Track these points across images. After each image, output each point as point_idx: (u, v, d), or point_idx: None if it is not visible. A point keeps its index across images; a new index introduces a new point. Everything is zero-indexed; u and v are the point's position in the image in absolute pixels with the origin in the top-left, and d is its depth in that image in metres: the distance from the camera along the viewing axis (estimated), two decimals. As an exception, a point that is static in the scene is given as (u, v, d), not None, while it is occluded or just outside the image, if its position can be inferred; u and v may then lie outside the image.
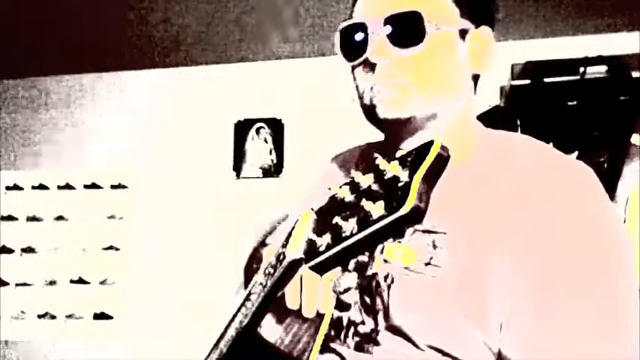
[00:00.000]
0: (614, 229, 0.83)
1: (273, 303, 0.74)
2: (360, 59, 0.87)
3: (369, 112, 0.89)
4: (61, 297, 2.88)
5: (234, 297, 2.61)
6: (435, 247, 0.82)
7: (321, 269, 0.70)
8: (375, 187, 0.66)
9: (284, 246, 0.75)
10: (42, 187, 2.97)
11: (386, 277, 0.84)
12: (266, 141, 2.85)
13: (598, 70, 2.26)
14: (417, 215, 0.61)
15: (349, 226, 0.66)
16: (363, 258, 0.69)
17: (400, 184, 0.63)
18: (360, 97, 0.91)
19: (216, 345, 0.81)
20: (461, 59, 0.90)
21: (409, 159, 0.64)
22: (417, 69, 0.85)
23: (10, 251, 2.94)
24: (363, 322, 0.86)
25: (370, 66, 0.87)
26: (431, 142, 0.64)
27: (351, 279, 0.71)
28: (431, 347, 0.82)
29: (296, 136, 2.81)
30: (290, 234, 0.75)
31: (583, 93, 2.22)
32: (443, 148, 0.64)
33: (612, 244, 0.81)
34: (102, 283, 2.88)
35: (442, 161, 0.64)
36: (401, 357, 0.83)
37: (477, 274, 0.80)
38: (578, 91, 2.23)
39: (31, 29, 2.49)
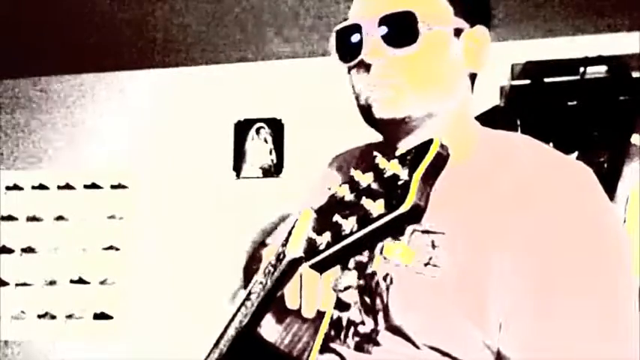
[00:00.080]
0: (614, 229, 0.83)
1: (273, 303, 0.74)
2: (356, 60, 0.88)
3: (366, 112, 0.89)
4: (61, 297, 2.88)
5: (233, 298, 2.62)
6: (434, 247, 0.82)
7: (321, 268, 0.70)
8: (374, 185, 0.66)
9: (284, 245, 0.75)
10: (42, 187, 2.97)
11: (385, 278, 0.84)
12: (266, 141, 2.85)
13: (598, 70, 2.26)
14: (416, 213, 0.61)
15: (349, 224, 0.66)
16: (363, 256, 0.69)
17: (400, 183, 0.63)
18: (357, 98, 0.91)
19: (216, 345, 0.81)
20: (455, 58, 0.90)
21: (409, 157, 0.64)
22: (411, 69, 0.86)
23: (10, 251, 2.94)
24: (362, 323, 0.86)
25: (365, 67, 0.87)
26: (430, 141, 0.65)
27: (350, 277, 0.71)
28: (430, 347, 0.82)
29: (296, 136, 2.81)
30: (290, 233, 0.75)
31: (583, 93, 2.22)
32: (442, 146, 0.64)
33: (612, 244, 0.81)
34: (102, 283, 2.87)
35: (442, 160, 0.64)
36: (400, 357, 0.83)
37: (476, 274, 0.80)
38: (578, 91, 2.23)
39: (31, 29, 2.49)
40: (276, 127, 2.84)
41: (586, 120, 2.15)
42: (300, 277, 0.72)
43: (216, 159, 2.86)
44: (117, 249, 2.89)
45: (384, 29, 0.85)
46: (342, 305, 0.73)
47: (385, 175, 0.65)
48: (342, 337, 0.87)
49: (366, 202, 0.64)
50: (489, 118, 1.23)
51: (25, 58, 2.79)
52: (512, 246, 0.79)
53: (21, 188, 2.99)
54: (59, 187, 2.96)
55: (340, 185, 0.70)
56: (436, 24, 0.86)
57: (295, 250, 0.71)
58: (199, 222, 2.80)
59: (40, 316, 2.89)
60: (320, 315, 0.73)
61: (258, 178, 2.83)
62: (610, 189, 1.87)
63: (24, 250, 2.93)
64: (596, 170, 0.85)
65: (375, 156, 0.67)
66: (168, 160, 2.89)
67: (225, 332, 0.80)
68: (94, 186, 2.94)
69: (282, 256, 0.74)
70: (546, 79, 2.29)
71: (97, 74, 3.01)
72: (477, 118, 0.97)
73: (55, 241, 2.92)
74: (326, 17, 2.35)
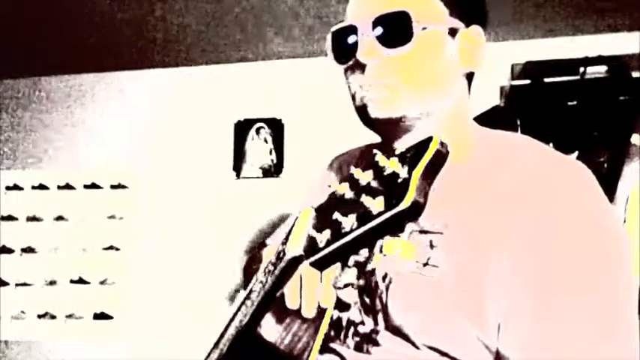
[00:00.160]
0: (614, 229, 0.84)
1: (273, 302, 0.74)
2: (351, 61, 0.88)
3: (362, 112, 0.90)
4: (61, 297, 2.88)
5: (233, 298, 2.62)
6: (432, 247, 0.82)
7: (321, 265, 0.70)
8: (374, 183, 0.66)
9: (284, 244, 0.75)
10: (42, 187, 2.97)
11: (384, 278, 0.84)
12: (266, 141, 2.85)
13: (598, 70, 2.26)
14: (416, 210, 0.62)
15: (349, 221, 0.66)
16: (363, 254, 0.70)
17: (399, 180, 0.63)
18: (353, 99, 0.91)
19: (216, 344, 0.81)
20: (451, 58, 0.90)
21: (408, 155, 0.65)
22: (405, 68, 0.86)
23: (10, 251, 2.94)
24: (362, 323, 0.86)
25: (360, 67, 0.88)
26: (430, 139, 0.65)
27: (350, 275, 0.71)
28: (430, 347, 0.82)
29: (296, 136, 2.81)
30: (290, 232, 0.75)
31: (583, 93, 2.22)
32: (442, 144, 0.65)
33: (612, 244, 0.81)
34: (102, 283, 2.87)
35: (441, 157, 0.64)
36: (400, 357, 0.83)
37: (475, 274, 0.80)
38: (578, 91, 2.23)
39: (31, 29, 2.49)
40: (276, 127, 2.84)
41: (586, 120, 2.14)
42: (300, 277, 0.73)
43: (216, 159, 2.86)
44: (117, 249, 2.89)
45: (378, 29, 0.86)
46: (342, 305, 0.74)
47: (385, 173, 0.66)
48: (341, 337, 0.87)
49: (365, 199, 0.65)
50: (489, 118, 1.23)
51: (25, 58, 2.79)
52: (510, 246, 0.79)
53: (21, 188, 2.99)
54: (59, 187, 2.96)
55: (340, 183, 0.70)
56: (430, 24, 0.87)
57: (295, 248, 0.71)
58: (199, 222, 2.80)
59: (40, 316, 2.88)
60: (320, 315, 0.74)
61: (258, 178, 2.83)
62: (610, 189, 1.87)
63: (24, 250, 2.93)
64: (596, 170, 0.85)
65: (375, 154, 0.68)
66: (168, 160, 2.89)
67: (226, 332, 0.80)
68: (94, 186, 2.94)
69: (282, 254, 0.74)
70: (546, 79, 2.29)
71: (97, 74, 3.01)
72: (477, 118, 0.97)
73: (55, 241, 2.92)
74: (326, 17, 2.35)
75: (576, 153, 2.04)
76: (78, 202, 2.93)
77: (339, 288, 0.72)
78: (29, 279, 2.91)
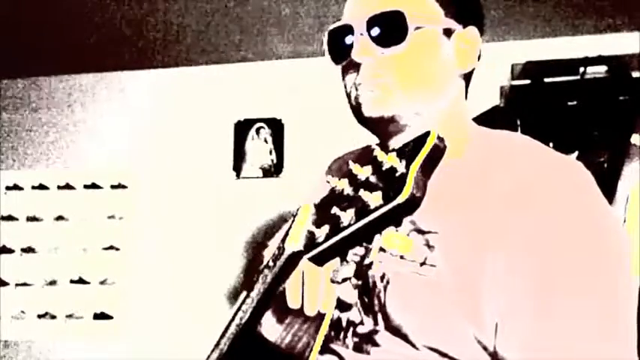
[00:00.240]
0: (613, 229, 0.84)
1: (274, 300, 0.74)
2: (347, 61, 0.89)
3: (356, 111, 0.91)
4: (61, 297, 2.88)
5: (233, 299, 2.61)
6: (429, 246, 0.82)
7: (320, 260, 0.71)
8: (372, 178, 0.67)
9: (284, 240, 0.76)
10: (42, 187, 2.97)
11: (382, 278, 0.84)
12: (266, 141, 2.85)
13: (598, 70, 2.26)
14: (413, 204, 0.62)
15: (347, 216, 0.66)
16: (361, 248, 0.70)
17: (397, 175, 0.63)
18: (348, 98, 0.92)
19: (217, 343, 0.81)
20: (447, 58, 0.90)
21: (407, 150, 0.65)
22: (399, 68, 0.87)
23: (10, 251, 2.94)
24: (362, 323, 0.86)
25: (355, 66, 0.89)
26: (427, 133, 0.65)
27: (349, 270, 0.71)
28: (429, 348, 0.82)
29: (296, 136, 2.81)
30: (290, 228, 0.75)
31: (583, 93, 2.22)
32: (439, 138, 0.65)
33: (611, 244, 0.81)
34: (102, 283, 2.87)
35: (438, 151, 0.65)
36: (398, 357, 0.83)
37: (471, 274, 0.80)
38: (578, 91, 2.23)
39: (31, 29, 2.49)
40: (276, 127, 2.84)
41: (586, 120, 2.14)
42: (302, 275, 0.73)
43: (216, 159, 2.86)
44: (117, 249, 2.89)
45: (372, 29, 0.86)
46: (343, 306, 0.74)
47: (383, 168, 0.66)
48: (341, 337, 0.87)
49: (363, 194, 0.65)
50: (489, 118, 1.23)
51: (25, 58, 2.79)
52: (508, 246, 0.79)
53: (21, 188, 2.99)
54: (59, 187, 2.96)
55: (340, 179, 0.71)
56: (425, 23, 0.87)
57: (295, 243, 0.72)
58: (199, 222, 2.80)
59: (40, 316, 2.88)
60: (321, 315, 0.74)
61: (258, 178, 2.83)
62: (610, 189, 1.87)
63: (24, 250, 2.93)
64: (596, 170, 0.85)
65: (373, 149, 0.68)
66: (168, 160, 2.89)
67: (227, 331, 0.80)
68: (94, 186, 2.94)
69: (282, 250, 0.74)
70: (546, 79, 2.29)
71: (97, 74, 3.01)
72: (477, 118, 0.98)
73: (55, 241, 2.92)
74: (326, 17, 2.35)
75: (576, 153, 2.04)
76: (78, 202, 2.93)
77: (338, 282, 0.72)
78: (29, 279, 2.91)
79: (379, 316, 0.84)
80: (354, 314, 0.86)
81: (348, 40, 0.88)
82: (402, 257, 0.78)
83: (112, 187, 2.93)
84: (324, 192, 0.74)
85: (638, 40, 2.38)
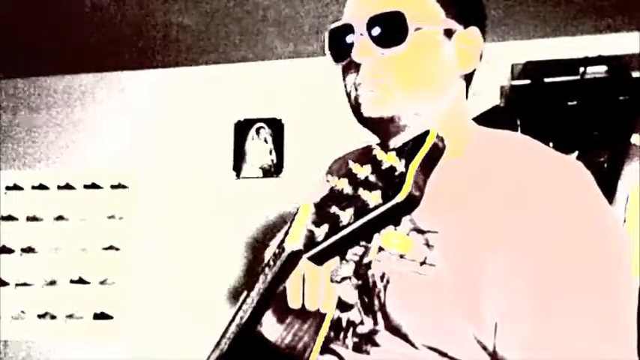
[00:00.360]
0: (613, 229, 0.84)
1: (274, 300, 0.74)
2: (347, 60, 0.89)
3: (356, 111, 0.91)
4: (61, 297, 2.88)
5: (234, 299, 2.61)
6: (429, 246, 0.82)
7: (319, 259, 0.71)
8: (372, 177, 0.67)
9: (284, 240, 0.76)
10: (42, 187, 2.97)
11: (382, 277, 0.84)
12: (266, 141, 2.85)
13: (598, 70, 2.26)
14: (412, 203, 0.62)
15: (346, 215, 0.66)
16: (360, 247, 0.70)
17: (396, 174, 0.63)
18: (348, 97, 0.92)
19: (218, 343, 0.81)
20: (447, 59, 0.90)
21: (406, 149, 0.65)
22: (399, 68, 0.86)
23: (10, 251, 2.94)
24: (362, 323, 0.86)
25: (355, 66, 0.88)
26: (427, 132, 0.65)
27: (348, 269, 0.71)
28: (428, 347, 0.82)
29: (296, 136, 2.81)
30: (290, 227, 0.76)
31: (583, 93, 2.22)
32: (439, 137, 0.65)
33: (611, 244, 0.81)
34: (102, 283, 2.87)
35: (438, 150, 0.65)
36: (398, 357, 0.83)
37: (471, 274, 0.80)
38: (578, 91, 2.23)
39: (31, 29, 2.49)
40: (276, 127, 2.84)
41: (586, 120, 2.14)
42: (303, 275, 0.73)
43: (216, 159, 2.86)
44: (117, 249, 2.89)
45: (373, 29, 0.86)
46: (343, 306, 0.74)
47: (383, 167, 0.66)
48: (341, 337, 0.87)
49: (363, 193, 0.65)
50: (489, 118, 1.23)
51: (25, 58, 2.79)
52: (508, 245, 0.79)
53: (21, 188, 2.99)
54: (59, 187, 2.96)
55: (339, 178, 0.71)
56: (425, 24, 0.87)
57: (295, 242, 0.72)
58: (199, 222, 2.80)
59: (40, 316, 2.88)
60: (321, 315, 0.74)
61: (258, 178, 2.83)
62: (610, 189, 1.87)
63: (24, 250, 2.93)
64: (596, 170, 0.85)
65: (373, 148, 0.68)
66: (168, 160, 2.89)
67: (227, 330, 0.80)
68: (94, 186, 2.94)
69: (282, 249, 0.74)
70: (546, 79, 2.29)
71: (97, 74, 3.01)
72: (477, 118, 0.98)
73: (55, 241, 2.92)
74: (326, 17, 2.35)
75: (576, 153, 2.04)
76: (78, 202, 2.93)
77: (337, 282, 0.72)
78: (29, 279, 2.91)
79: (379, 316, 0.84)
80: (354, 314, 0.86)
81: (349, 39, 0.88)
82: (401, 257, 0.78)
83: (112, 187, 2.93)
84: (324, 191, 0.74)
85: (638, 40, 2.38)
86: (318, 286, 0.72)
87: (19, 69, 2.95)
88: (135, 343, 2.76)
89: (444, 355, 0.81)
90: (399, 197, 0.62)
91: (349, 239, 0.68)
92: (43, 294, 2.89)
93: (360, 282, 0.72)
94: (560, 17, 2.37)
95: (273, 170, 2.82)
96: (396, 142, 0.88)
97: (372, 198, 0.64)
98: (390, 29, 0.86)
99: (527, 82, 2.32)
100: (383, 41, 0.86)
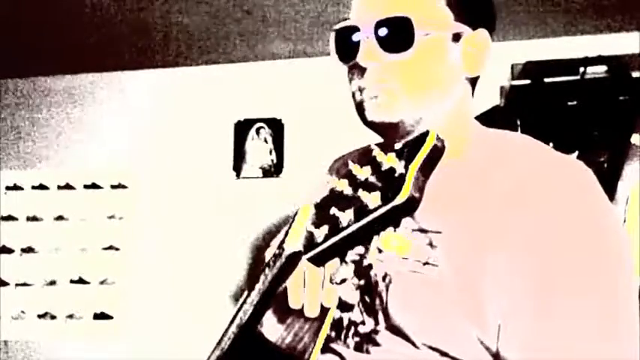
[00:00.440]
0: (614, 229, 0.84)
1: (274, 300, 0.74)
2: (352, 62, 0.88)
3: (360, 114, 0.90)
4: (61, 297, 2.88)
5: (234, 299, 2.62)
6: (432, 246, 0.82)
7: (318, 260, 0.71)
8: (372, 178, 0.67)
9: (284, 240, 0.76)
10: (42, 187, 2.97)
11: (384, 277, 0.84)
12: (266, 141, 2.85)
13: (598, 70, 2.26)
14: (411, 205, 0.62)
15: (346, 217, 0.66)
16: (360, 249, 0.70)
17: (396, 175, 0.63)
18: (353, 98, 0.91)
19: (219, 342, 0.81)
20: (453, 63, 0.89)
21: (405, 150, 0.65)
22: (405, 74, 0.86)
23: (10, 251, 2.94)
24: (363, 322, 0.86)
25: (361, 69, 0.87)
26: (426, 133, 0.65)
27: (347, 270, 0.71)
28: (429, 347, 0.82)
29: (296, 136, 2.81)
30: (289, 228, 0.76)
31: (583, 93, 2.22)
32: (438, 139, 0.65)
33: (612, 244, 0.81)
34: (102, 283, 2.87)
35: (437, 152, 0.65)
36: (399, 357, 0.83)
37: (473, 274, 0.80)
38: (578, 91, 2.23)
39: (31, 29, 2.49)
40: (276, 127, 2.84)
41: (586, 120, 2.14)
42: (304, 275, 0.73)
43: (216, 159, 2.86)
44: (117, 249, 2.89)
45: (379, 33, 0.85)
46: (344, 306, 0.74)
47: (382, 169, 0.66)
48: (342, 337, 0.87)
49: (362, 194, 0.65)
50: (489, 118, 1.23)
51: (25, 58, 2.79)
52: (510, 245, 0.79)
53: (21, 188, 2.99)
54: (59, 187, 2.96)
55: (339, 179, 0.71)
56: (433, 30, 0.86)
57: (294, 244, 0.72)
58: (199, 222, 2.80)
59: (40, 316, 2.88)
60: (322, 315, 0.74)
61: (258, 178, 2.83)
62: (610, 189, 1.87)
63: (24, 250, 2.93)
64: (596, 170, 0.85)
65: (372, 149, 0.68)
66: (168, 160, 2.89)
67: (228, 330, 0.80)
68: (94, 186, 2.94)
69: (281, 250, 0.75)
70: (546, 79, 2.29)
71: (97, 74, 3.01)
72: (477, 118, 0.97)
73: (55, 241, 2.92)
74: (326, 17, 2.35)
75: (576, 153, 2.04)
76: (78, 202, 2.93)
77: (337, 283, 0.72)
78: (29, 279, 2.91)
79: (380, 316, 0.84)
80: (356, 314, 0.86)
81: (355, 37, 0.87)
82: (404, 257, 0.78)
83: (112, 187, 2.93)
84: (324, 192, 0.74)
85: (638, 40, 2.38)
86: (318, 287, 0.72)
87: (19, 69, 2.95)
88: (135, 343, 2.76)
89: (445, 354, 0.81)
90: (399, 199, 0.62)
91: (349, 241, 0.68)
92: (43, 294, 2.89)
93: (361, 282, 0.72)
94: (560, 17, 2.37)
95: (273, 170, 2.82)
96: (399, 144, 0.88)
97: (372, 199, 0.64)
98: (397, 34, 0.85)
99: (527, 82, 2.33)
100: (389, 46, 0.85)
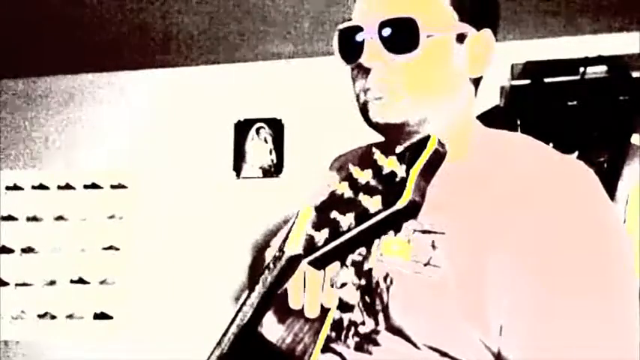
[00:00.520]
0: (614, 229, 0.84)
1: (275, 301, 0.74)
2: (356, 62, 0.87)
3: (364, 115, 0.90)
4: (61, 297, 2.88)
5: (235, 299, 2.62)
6: (434, 247, 0.82)
7: (319, 264, 0.71)
8: (373, 182, 0.66)
9: (284, 242, 0.76)
10: (42, 187, 2.97)
11: (385, 278, 0.84)
12: (266, 141, 2.85)
13: (598, 70, 2.26)
14: (413, 209, 0.62)
15: (347, 220, 0.66)
16: (360, 253, 0.70)
17: (397, 179, 0.63)
18: (357, 99, 0.91)
19: (219, 343, 0.81)
20: (458, 63, 0.89)
21: (407, 154, 0.65)
22: (409, 75, 0.85)
23: (10, 251, 2.94)
24: (363, 323, 0.86)
25: (364, 70, 0.87)
26: (427, 137, 0.65)
27: (348, 274, 0.71)
28: (430, 347, 0.82)
29: (296, 136, 2.81)
30: (290, 230, 0.75)
31: (583, 93, 2.22)
32: (439, 143, 0.65)
33: (612, 244, 0.81)
34: (102, 283, 2.87)
35: (439, 156, 0.65)
36: (400, 357, 0.83)
37: (475, 275, 0.80)
38: (578, 91, 2.23)
39: (31, 29, 2.49)
40: (276, 127, 2.84)
41: (586, 120, 2.15)
42: (304, 277, 0.73)
43: (216, 159, 2.86)
44: (117, 249, 2.89)
45: (384, 34, 0.84)
46: (344, 306, 0.74)
47: (383, 172, 0.66)
48: (342, 337, 0.87)
49: (363, 198, 0.65)
50: (489, 118, 1.23)
51: (25, 58, 2.79)
52: (511, 246, 0.79)
53: (21, 188, 2.98)
54: (59, 187, 2.96)
55: (340, 182, 0.71)
56: (438, 31, 0.86)
57: (294, 247, 0.72)
58: (199, 222, 2.80)
59: (40, 316, 2.88)
60: (322, 315, 0.74)
61: (258, 178, 2.83)
62: (610, 189, 1.87)
63: (24, 250, 2.93)
64: (596, 170, 0.85)
65: (374, 152, 0.68)
66: (168, 160, 2.89)
67: (228, 331, 0.80)
68: (94, 186, 2.94)
69: (282, 253, 0.74)
70: (546, 79, 2.29)
71: (97, 74, 3.01)
72: (477, 118, 0.97)
73: (55, 241, 2.92)
74: (326, 17, 2.35)
75: (576, 153, 2.05)
76: (78, 202, 2.93)
77: (337, 287, 0.72)
78: (29, 279, 2.91)
79: (380, 317, 0.84)
80: (356, 314, 0.86)
81: (359, 37, 0.86)
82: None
83: (112, 187, 2.93)
84: (325, 195, 0.74)
85: (638, 40, 2.38)
86: (318, 290, 0.72)
87: (19, 69, 2.95)
88: (135, 343, 2.76)
89: (446, 355, 0.81)
90: (400, 204, 0.62)
91: (349, 245, 0.67)
92: (43, 294, 2.89)
93: (361, 282, 0.72)
94: (560, 17, 2.37)
95: (273, 170, 2.82)
96: (400, 148, 0.88)
97: (373, 203, 0.64)
98: (402, 35, 0.84)
99: (527, 82, 2.33)
100: (394, 47, 0.84)
